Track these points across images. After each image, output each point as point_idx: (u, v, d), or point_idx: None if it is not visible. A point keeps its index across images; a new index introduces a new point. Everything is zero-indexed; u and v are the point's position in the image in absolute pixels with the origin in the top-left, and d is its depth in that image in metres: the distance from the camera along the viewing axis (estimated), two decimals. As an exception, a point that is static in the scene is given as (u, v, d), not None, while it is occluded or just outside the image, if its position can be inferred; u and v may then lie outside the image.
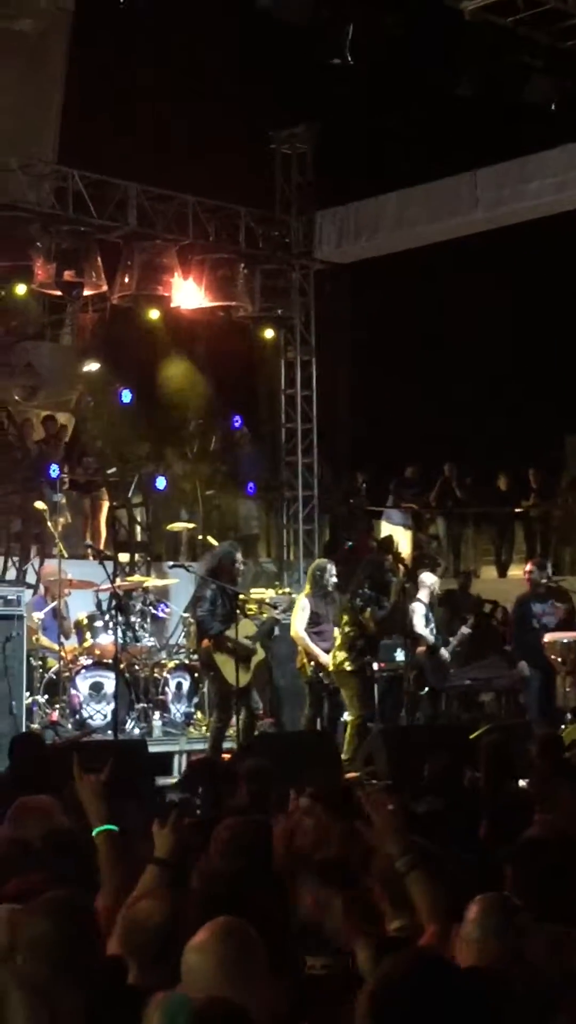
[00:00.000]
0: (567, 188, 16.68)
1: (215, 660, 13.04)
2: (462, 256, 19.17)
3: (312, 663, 13.98)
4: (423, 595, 14.83)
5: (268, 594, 15.35)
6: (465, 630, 15.38)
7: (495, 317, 21.44)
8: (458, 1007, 2.88)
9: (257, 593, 15.39)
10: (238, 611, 13.18)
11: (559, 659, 14.54)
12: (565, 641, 14.61)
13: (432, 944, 4.12)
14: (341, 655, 13.70)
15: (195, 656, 14.32)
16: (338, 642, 13.81)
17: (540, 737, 11.10)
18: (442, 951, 3.97)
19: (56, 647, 14.04)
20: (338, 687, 13.86)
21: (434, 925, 4.23)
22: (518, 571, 20.67)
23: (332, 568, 14.27)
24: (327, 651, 13.81)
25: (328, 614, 14.02)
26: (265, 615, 14.04)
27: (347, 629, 13.76)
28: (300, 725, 14.80)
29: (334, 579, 14.15)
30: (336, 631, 13.92)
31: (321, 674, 13.97)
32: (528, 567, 15.70)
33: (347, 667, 13.66)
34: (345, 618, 13.86)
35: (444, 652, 14.88)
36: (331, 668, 13.82)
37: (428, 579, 15.09)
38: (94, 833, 4.99)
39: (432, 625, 14.85)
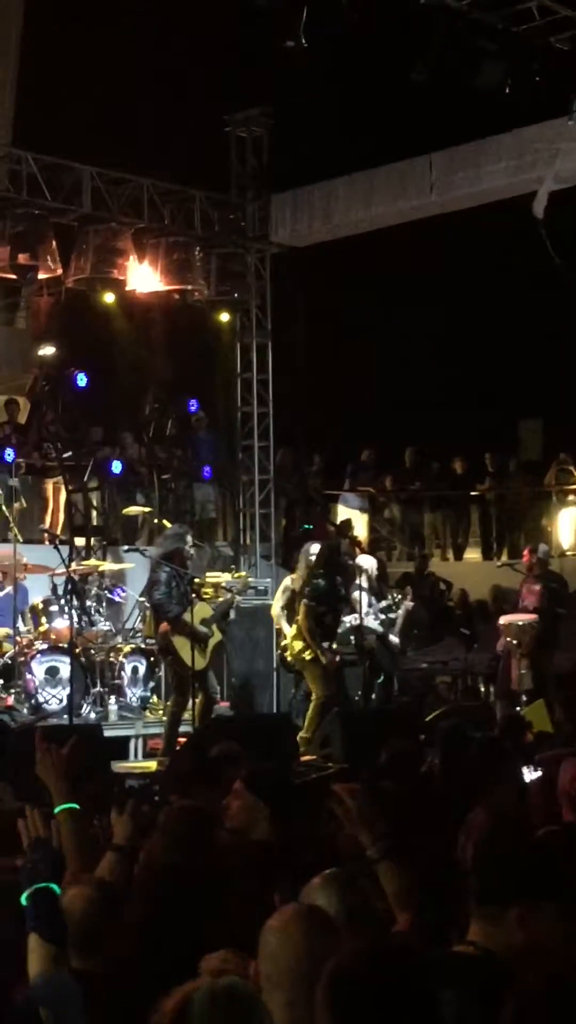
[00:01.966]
0: (521, 172, 16.70)
1: (173, 643, 13.02)
2: (417, 240, 19.18)
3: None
4: (362, 581, 14.78)
5: (224, 578, 15.35)
6: (408, 604, 15.42)
7: (450, 301, 21.48)
8: (419, 996, 2.89)
9: (213, 577, 15.39)
10: (193, 594, 13.17)
11: (515, 641, 14.58)
12: (520, 623, 14.66)
13: (403, 932, 4.14)
14: (299, 644, 13.71)
15: (151, 640, 14.31)
16: (294, 631, 13.84)
17: (503, 718, 11.18)
18: (413, 939, 3.99)
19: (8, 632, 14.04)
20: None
21: (405, 913, 4.26)
22: (474, 554, 20.78)
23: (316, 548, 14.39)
24: None
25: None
26: (221, 598, 14.05)
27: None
28: (260, 708, 14.86)
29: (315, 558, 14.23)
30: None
31: (286, 654, 14.04)
32: (527, 551, 15.73)
33: (306, 656, 13.67)
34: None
35: (393, 637, 14.88)
36: (290, 657, 13.86)
37: (365, 563, 15.02)
38: (56, 811, 4.96)
39: (376, 611, 14.85)
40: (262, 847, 5.52)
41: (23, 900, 3.77)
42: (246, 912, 4.22)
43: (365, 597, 14.56)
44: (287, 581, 14.39)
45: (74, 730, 11.88)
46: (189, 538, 13.57)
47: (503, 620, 14.90)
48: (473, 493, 20.62)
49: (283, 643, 14.23)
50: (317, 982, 3.02)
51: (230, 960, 3.49)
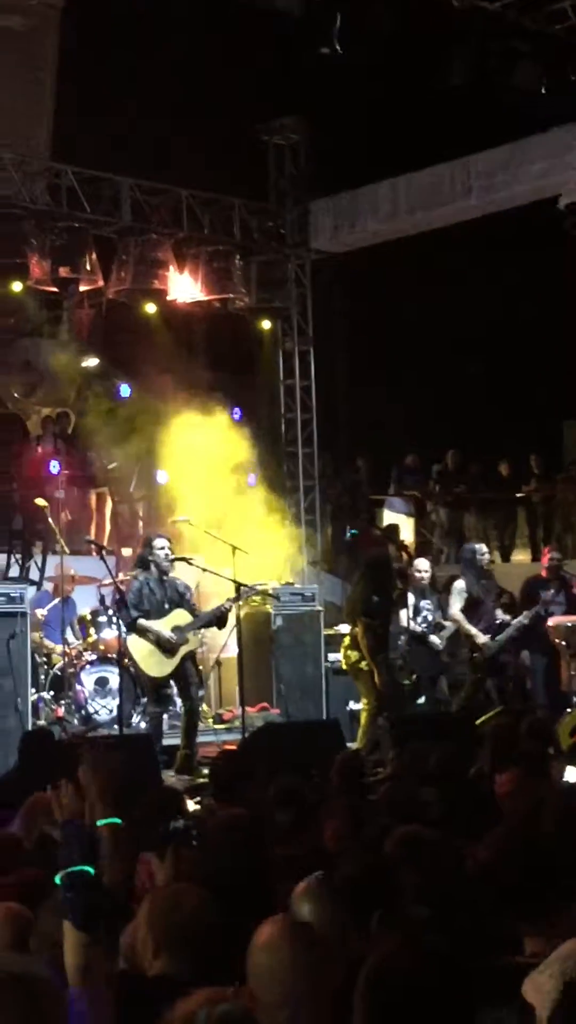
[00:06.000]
0: (559, 171, 16.67)
1: (131, 651, 12.84)
2: (457, 243, 19.16)
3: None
4: (415, 584, 14.70)
5: (271, 584, 15.34)
6: (511, 617, 15.00)
7: (492, 303, 21.43)
8: (455, 995, 2.86)
9: (260, 584, 15.37)
10: (178, 600, 12.97)
11: (563, 643, 14.52)
12: (569, 625, 14.59)
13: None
14: (354, 654, 13.73)
15: (200, 648, 14.31)
16: (346, 641, 13.96)
17: (529, 722, 11.09)
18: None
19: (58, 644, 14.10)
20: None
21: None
22: (521, 556, 20.70)
23: (484, 548, 14.67)
24: (483, 632, 13.98)
25: (487, 594, 14.24)
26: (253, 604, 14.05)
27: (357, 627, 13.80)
28: (308, 714, 14.86)
29: (487, 558, 14.45)
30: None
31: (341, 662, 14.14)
32: (547, 550, 15.65)
33: (363, 666, 13.66)
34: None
35: (434, 639, 14.65)
36: (344, 666, 13.93)
37: (421, 566, 14.94)
38: (98, 824, 4.97)
39: (425, 613, 14.76)
40: (312, 856, 5.51)
41: (56, 882, 3.69)
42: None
43: (412, 599, 14.46)
44: (459, 584, 14.33)
45: (124, 740, 11.92)
46: (166, 543, 13.25)
47: (551, 622, 14.82)
48: (519, 495, 20.56)
49: (345, 652, 14.23)
50: (313, 995, 3.01)
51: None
